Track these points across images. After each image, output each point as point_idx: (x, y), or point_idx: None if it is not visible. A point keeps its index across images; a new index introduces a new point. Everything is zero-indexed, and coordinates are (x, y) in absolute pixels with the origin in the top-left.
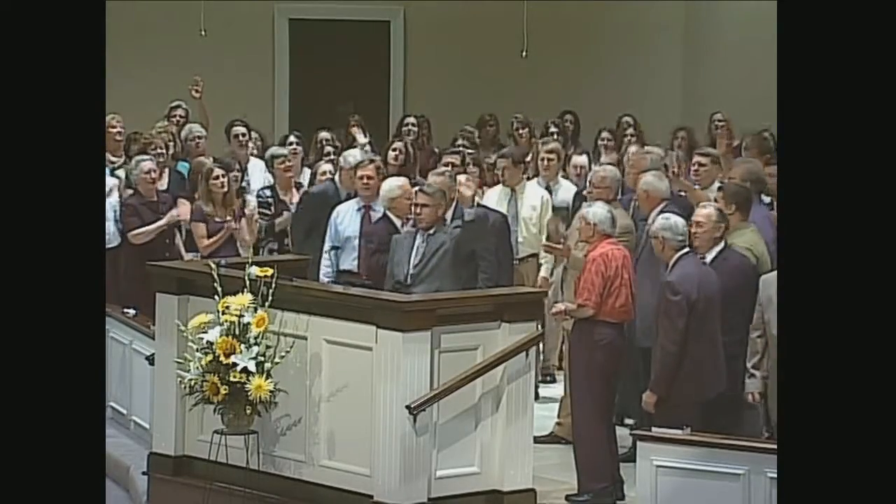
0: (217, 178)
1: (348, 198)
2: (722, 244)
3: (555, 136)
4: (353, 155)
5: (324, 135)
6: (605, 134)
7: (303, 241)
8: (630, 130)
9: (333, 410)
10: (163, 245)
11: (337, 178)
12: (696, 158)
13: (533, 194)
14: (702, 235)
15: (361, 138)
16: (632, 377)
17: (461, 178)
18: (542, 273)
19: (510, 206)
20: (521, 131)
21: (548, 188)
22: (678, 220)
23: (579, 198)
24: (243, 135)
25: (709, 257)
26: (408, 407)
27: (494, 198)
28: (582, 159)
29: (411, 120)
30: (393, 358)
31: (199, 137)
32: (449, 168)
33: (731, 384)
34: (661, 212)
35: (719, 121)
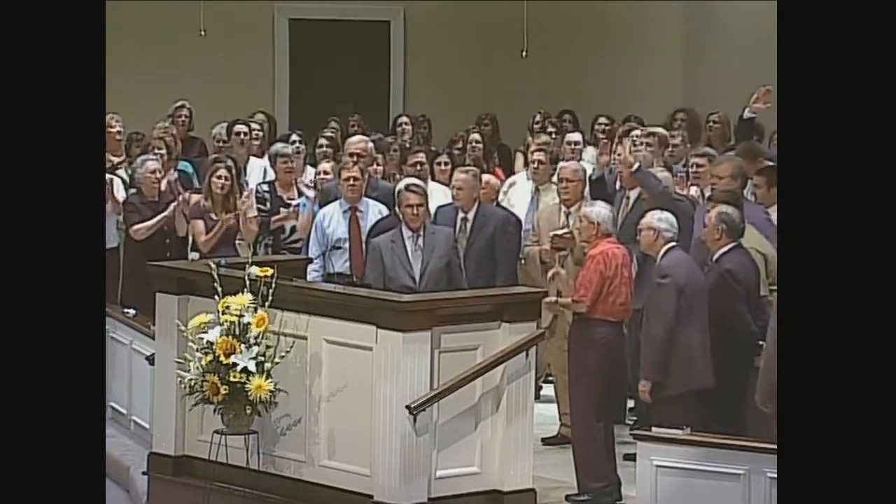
0: (220, 176)
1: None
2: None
3: (551, 135)
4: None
5: (328, 135)
6: (602, 119)
7: None
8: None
9: (333, 410)
10: (163, 245)
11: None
12: (694, 160)
13: (554, 197)
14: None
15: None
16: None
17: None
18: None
19: (531, 204)
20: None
21: (537, 189)
22: (671, 215)
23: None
24: (245, 133)
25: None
26: (408, 407)
27: (520, 189)
28: (576, 136)
29: (404, 119)
30: (393, 358)
31: (220, 141)
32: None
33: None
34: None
35: (714, 122)
